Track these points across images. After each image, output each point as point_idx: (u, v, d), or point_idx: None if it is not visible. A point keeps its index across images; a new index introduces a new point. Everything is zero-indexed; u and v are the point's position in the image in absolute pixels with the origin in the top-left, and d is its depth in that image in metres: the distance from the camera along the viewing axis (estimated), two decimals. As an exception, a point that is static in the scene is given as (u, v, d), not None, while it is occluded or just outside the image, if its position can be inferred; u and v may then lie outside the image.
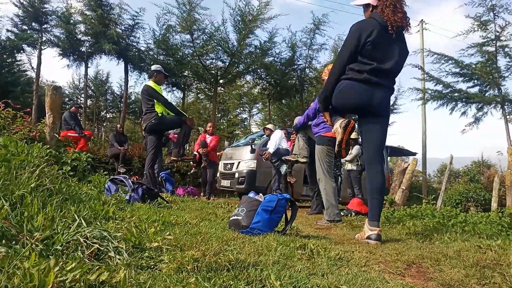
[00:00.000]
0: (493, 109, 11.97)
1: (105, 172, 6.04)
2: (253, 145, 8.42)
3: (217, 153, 9.13)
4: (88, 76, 15.93)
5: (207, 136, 8.41)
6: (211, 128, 8.52)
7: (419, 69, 13.48)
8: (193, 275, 1.32)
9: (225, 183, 8.81)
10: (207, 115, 22.06)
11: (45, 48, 13.81)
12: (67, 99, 22.89)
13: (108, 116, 27.31)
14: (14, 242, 1.41)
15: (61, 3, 13.66)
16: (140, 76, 14.84)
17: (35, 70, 13.95)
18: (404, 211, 5.29)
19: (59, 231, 1.65)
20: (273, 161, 6.82)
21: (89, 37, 13.64)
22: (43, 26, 13.54)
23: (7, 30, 13.56)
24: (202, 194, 8.60)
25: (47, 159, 3.93)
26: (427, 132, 17.24)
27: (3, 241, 1.39)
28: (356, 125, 3.48)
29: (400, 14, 2.79)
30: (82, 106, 14.25)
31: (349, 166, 8.29)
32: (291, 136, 6.20)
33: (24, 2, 13.19)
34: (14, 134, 5.12)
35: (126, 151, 9.57)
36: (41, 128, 6.17)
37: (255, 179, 8.00)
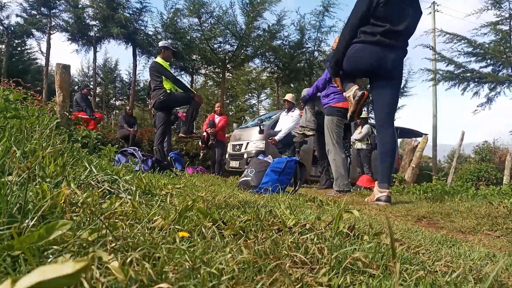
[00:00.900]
0: (506, 89, 11.74)
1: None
2: (261, 126, 8.40)
3: (226, 135, 9.14)
4: (97, 62, 15.98)
5: (216, 116, 8.40)
6: (219, 108, 8.51)
7: (430, 49, 13.24)
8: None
9: (234, 164, 8.83)
10: (215, 101, 22.05)
11: (54, 33, 13.88)
12: (76, 87, 23.04)
13: (117, 104, 27.46)
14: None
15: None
16: (148, 61, 14.84)
17: (45, 55, 14.04)
18: (414, 187, 5.25)
19: (70, 177, 1.67)
20: (278, 147, 6.83)
21: (97, 22, 13.65)
22: (52, 11, 13.58)
23: (16, 15, 13.64)
24: (211, 174, 8.64)
25: (56, 132, 3.98)
26: (438, 116, 17.03)
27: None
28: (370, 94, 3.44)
29: None
30: (92, 87, 14.33)
31: (359, 145, 8.24)
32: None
33: (33, -13, 13.23)
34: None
35: (136, 133, 9.62)
36: (52, 106, 6.22)
37: (264, 159, 7.99)
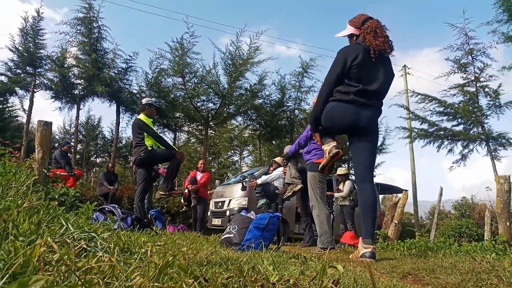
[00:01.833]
0: (478, 146, 12.24)
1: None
2: (244, 183, 8.37)
3: (208, 191, 9.03)
4: (79, 120, 16.00)
5: (198, 173, 8.36)
6: (202, 165, 8.50)
7: (404, 108, 13.89)
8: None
9: (216, 221, 8.63)
10: (198, 158, 22.05)
11: (37, 91, 13.97)
12: (56, 144, 22.78)
13: (98, 161, 27.08)
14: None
15: (56, 48, 13.95)
16: (131, 118, 14.95)
17: (26, 113, 13.99)
18: (398, 244, 5.21)
19: (45, 235, 1.60)
20: (256, 191, 6.77)
21: (82, 80, 13.88)
22: (37, 70, 13.78)
23: (0, 74, 13.76)
24: (193, 232, 8.38)
25: (33, 189, 3.86)
26: (416, 172, 17.39)
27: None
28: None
29: (381, 38, 2.94)
30: (73, 144, 14.17)
31: (342, 202, 8.26)
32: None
33: (20, 48, 13.51)
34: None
35: (116, 191, 9.41)
36: (30, 163, 6.09)
37: (247, 216, 7.85)
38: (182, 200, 8.43)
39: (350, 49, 2.99)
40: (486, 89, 12.10)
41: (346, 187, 8.17)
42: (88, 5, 12.96)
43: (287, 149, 4.96)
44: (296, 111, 16.32)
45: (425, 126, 13.10)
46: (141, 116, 5.38)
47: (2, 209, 1.95)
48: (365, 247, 2.75)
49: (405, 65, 19.01)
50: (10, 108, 20.06)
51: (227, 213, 8.13)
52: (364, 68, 2.92)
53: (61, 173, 7.93)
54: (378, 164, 18.83)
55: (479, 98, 12.22)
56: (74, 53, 13.69)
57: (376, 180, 6.09)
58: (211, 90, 13.98)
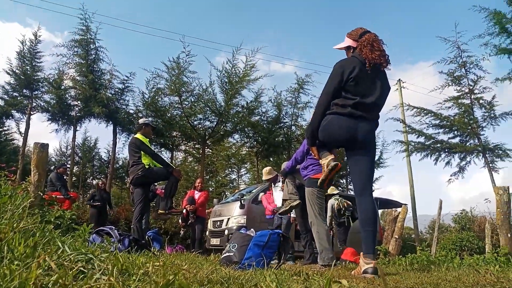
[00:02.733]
0: (475, 158, 12.27)
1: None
2: (242, 201, 8.30)
3: (206, 210, 8.95)
4: (76, 141, 15.97)
5: (196, 192, 8.29)
6: (200, 184, 8.43)
7: (400, 122, 13.97)
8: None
9: (215, 241, 8.52)
10: (195, 177, 21.95)
11: (34, 113, 13.97)
12: (52, 167, 22.64)
13: (94, 183, 26.87)
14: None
15: (53, 70, 14.04)
16: (128, 138, 14.94)
17: (23, 135, 13.97)
18: (400, 259, 5.16)
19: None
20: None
21: (79, 102, 13.92)
22: (34, 92, 13.83)
23: (-3, 97, 13.79)
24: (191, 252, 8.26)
25: (29, 212, 3.81)
26: (415, 186, 17.37)
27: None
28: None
29: (378, 52, 2.97)
30: (69, 166, 14.09)
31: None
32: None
33: (17, 71, 13.59)
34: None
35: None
36: (26, 185, 6.03)
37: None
38: (180, 221, 8.33)
39: (347, 62, 3.01)
40: (481, 101, 12.24)
41: (328, 212, 8.02)
42: (86, 27, 13.13)
43: (284, 165, 4.94)
44: (293, 127, 16.39)
45: (421, 139, 13.17)
46: (138, 135, 5.37)
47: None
48: (367, 263, 2.70)
49: (399, 79, 19.24)
50: (6, 132, 20.02)
51: (226, 232, 8.03)
52: (361, 81, 2.93)
53: (57, 196, 7.86)
54: (376, 179, 18.84)
55: (474, 110, 12.35)
56: (71, 75, 13.79)
57: (374, 195, 6.06)
58: (207, 108, 14.03)
